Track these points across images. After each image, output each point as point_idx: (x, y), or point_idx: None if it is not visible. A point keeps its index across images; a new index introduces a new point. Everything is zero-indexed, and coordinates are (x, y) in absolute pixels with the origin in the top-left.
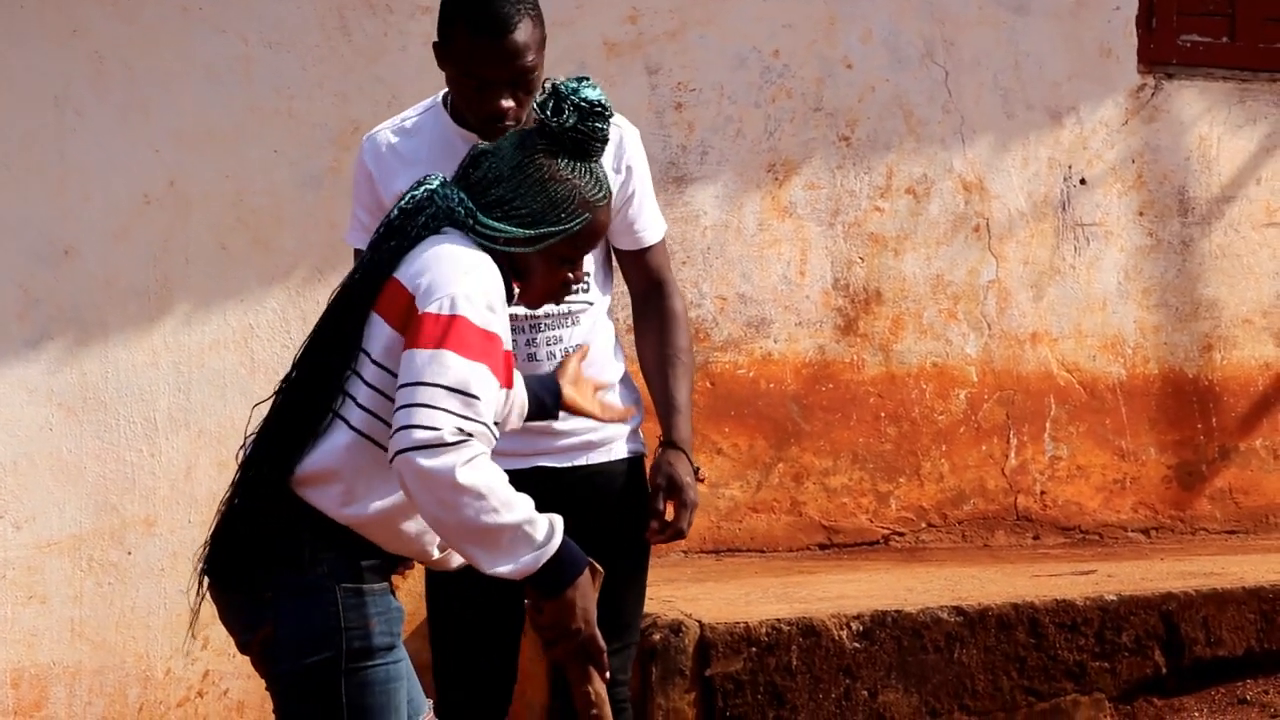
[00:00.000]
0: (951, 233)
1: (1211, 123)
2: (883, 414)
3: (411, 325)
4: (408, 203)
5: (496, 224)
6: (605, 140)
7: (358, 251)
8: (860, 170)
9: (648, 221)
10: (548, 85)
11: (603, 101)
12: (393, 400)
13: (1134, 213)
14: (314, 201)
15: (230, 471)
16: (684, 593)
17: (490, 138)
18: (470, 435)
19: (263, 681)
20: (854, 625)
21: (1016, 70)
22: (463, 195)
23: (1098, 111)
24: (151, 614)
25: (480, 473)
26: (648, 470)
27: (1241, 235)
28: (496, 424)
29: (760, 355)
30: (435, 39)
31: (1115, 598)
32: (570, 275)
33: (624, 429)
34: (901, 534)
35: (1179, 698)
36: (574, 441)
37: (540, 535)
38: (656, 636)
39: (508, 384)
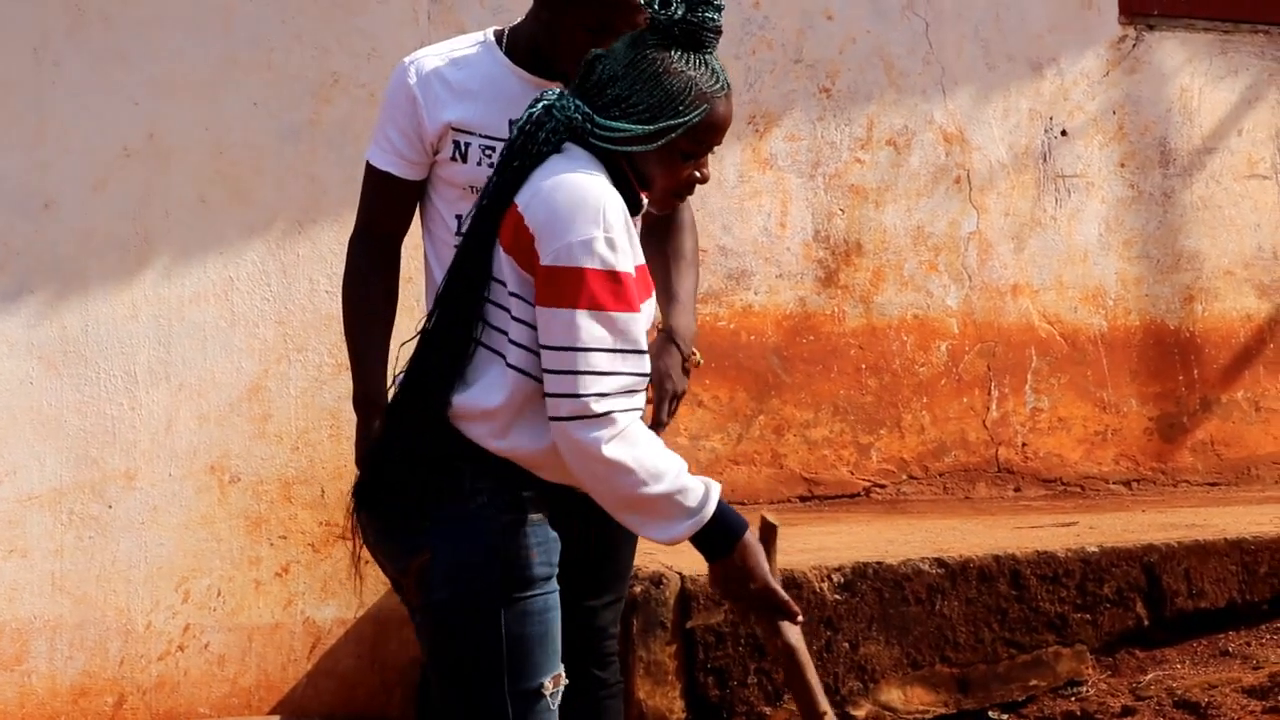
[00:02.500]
0: (932, 184)
1: (1193, 74)
2: (864, 366)
3: (539, 277)
4: (526, 122)
5: (615, 123)
6: (717, 30)
7: (373, 169)
8: (841, 122)
9: None
10: None
11: None
12: (536, 330)
13: (1115, 164)
14: (293, 154)
15: (210, 425)
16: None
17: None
18: (615, 403)
19: (243, 634)
20: (835, 577)
21: (997, 21)
22: (578, 102)
23: (1079, 63)
24: (132, 567)
25: (628, 447)
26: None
27: (1223, 187)
28: (645, 351)
29: (741, 307)
30: None
31: (1097, 549)
32: (696, 174)
33: None
34: (883, 486)
35: (1161, 649)
36: None
37: (693, 502)
38: (638, 589)
39: (646, 295)
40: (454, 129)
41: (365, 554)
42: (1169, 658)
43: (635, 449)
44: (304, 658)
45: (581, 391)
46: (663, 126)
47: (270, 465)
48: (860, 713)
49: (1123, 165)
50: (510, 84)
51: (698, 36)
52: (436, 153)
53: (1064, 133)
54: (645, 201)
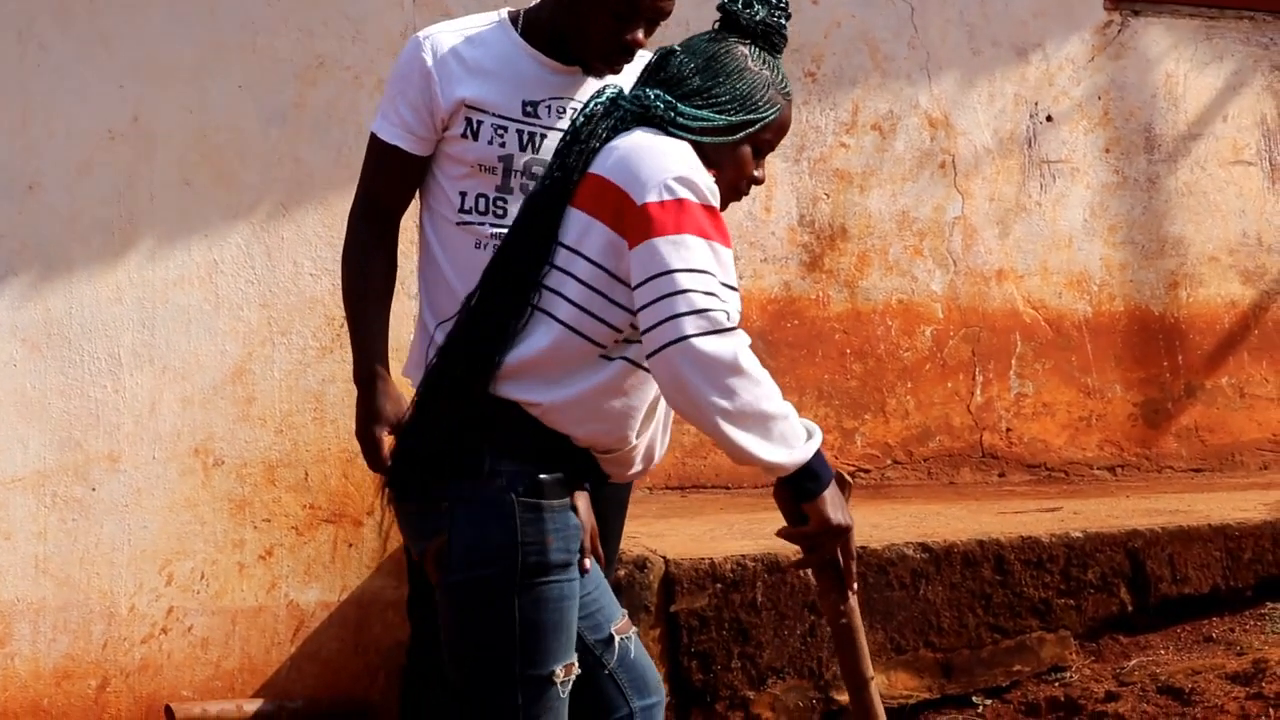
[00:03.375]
0: (917, 169)
1: (1178, 60)
2: (848, 351)
3: (633, 218)
4: (590, 110)
5: (699, 112)
6: (787, 37)
7: (381, 141)
8: (826, 106)
9: None
10: None
11: None
12: (603, 295)
13: (1100, 150)
14: (278, 137)
15: (194, 408)
16: (649, 529)
17: (607, 68)
18: (738, 321)
19: (227, 618)
20: None
21: (983, 6)
22: (658, 92)
23: (1064, 48)
24: (116, 550)
25: (754, 359)
26: None
27: (1208, 173)
28: (737, 290)
29: None
30: None
31: (1081, 535)
32: (755, 173)
33: None
34: (867, 471)
35: (1145, 635)
36: None
37: (803, 434)
38: (622, 572)
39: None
40: (468, 106)
41: (349, 536)
42: (1153, 643)
43: (759, 364)
44: (287, 641)
45: (708, 307)
46: (743, 119)
47: (254, 448)
48: (844, 697)
49: (1108, 151)
50: (525, 65)
51: (773, 40)
52: (446, 129)
53: (1049, 118)
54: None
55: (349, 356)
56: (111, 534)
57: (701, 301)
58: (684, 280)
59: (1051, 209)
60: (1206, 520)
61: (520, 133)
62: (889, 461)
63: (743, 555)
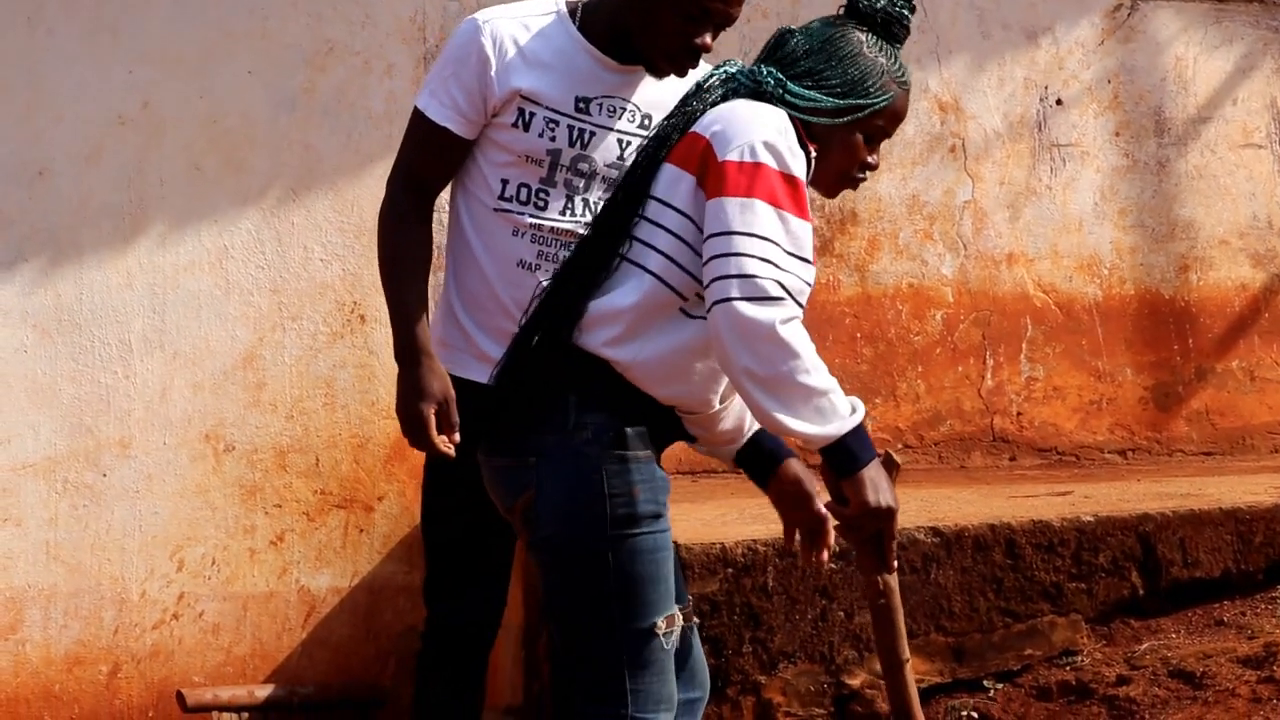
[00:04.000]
0: (927, 153)
1: (1188, 43)
2: (859, 335)
3: (712, 173)
4: (707, 79)
5: (808, 92)
6: (909, 28)
7: (429, 120)
8: None
9: None
10: None
11: None
12: (689, 244)
13: (1110, 133)
14: (288, 122)
15: (205, 394)
16: None
17: (672, 68)
18: (788, 292)
19: (238, 603)
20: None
21: None
22: (771, 69)
23: (1074, 31)
24: (127, 536)
25: (797, 332)
26: None
27: (1218, 156)
28: (813, 264)
29: None
30: None
31: (1092, 519)
32: (868, 159)
33: None
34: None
35: (1156, 619)
36: None
37: (845, 409)
38: None
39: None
40: (522, 96)
41: (361, 521)
42: (1164, 627)
43: (804, 338)
44: (299, 627)
45: (758, 274)
46: (852, 104)
47: (265, 434)
48: (855, 681)
49: (1118, 134)
50: (581, 60)
51: (893, 29)
52: (495, 116)
53: (1059, 101)
54: (812, 164)
55: (359, 342)
56: (122, 520)
57: (752, 267)
58: (741, 244)
59: (1062, 192)
60: (1218, 504)
61: (571, 128)
62: (900, 446)
63: (754, 540)
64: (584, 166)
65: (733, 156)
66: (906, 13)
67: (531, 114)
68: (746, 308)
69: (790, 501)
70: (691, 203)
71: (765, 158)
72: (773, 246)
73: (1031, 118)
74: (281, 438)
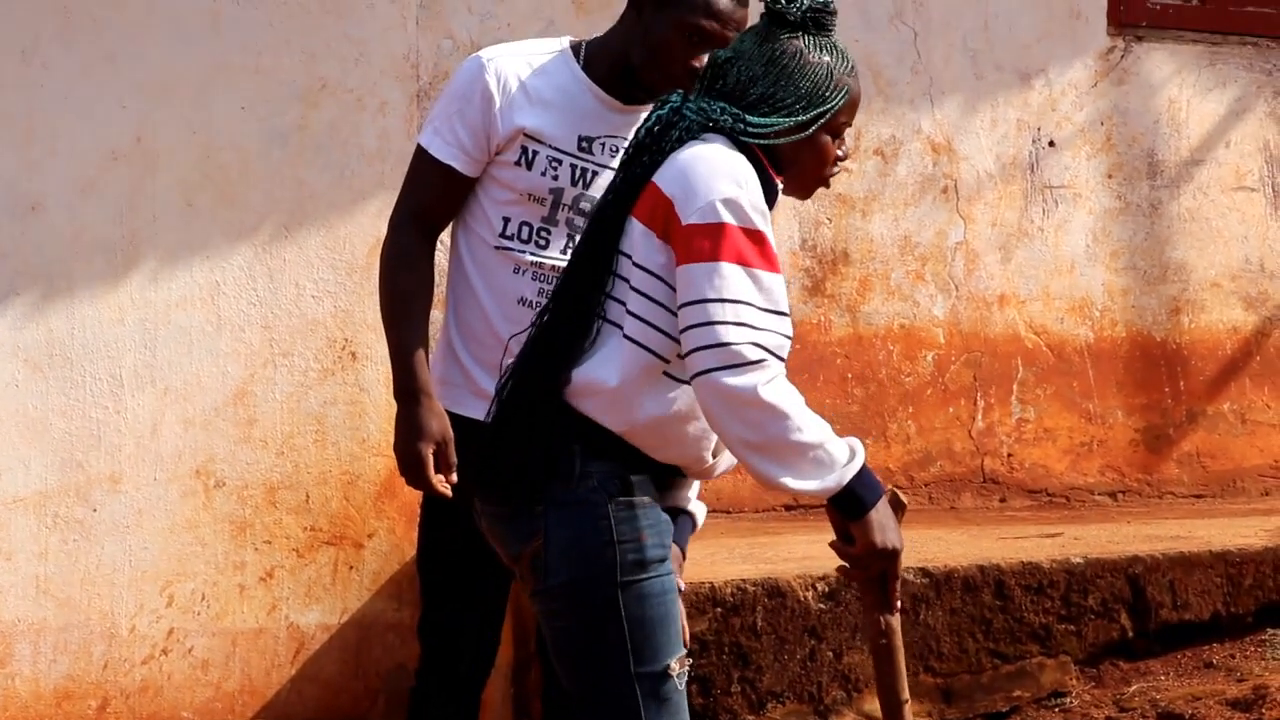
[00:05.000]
0: (919, 194)
1: (1181, 85)
2: (850, 375)
3: (678, 237)
4: (654, 123)
5: (767, 120)
6: (835, 11)
7: (433, 159)
8: None
9: None
10: None
11: None
12: (661, 305)
13: (1103, 175)
14: (281, 158)
15: (195, 429)
16: None
17: (662, 92)
18: (768, 351)
19: (227, 639)
20: (819, 586)
21: (986, 31)
22: (722, 105)
23: (1067, 73)
24: (117, 571)
25: (782, 392)
26: None
27: (1210, 199)
28: (788, 315)
29: None
30: None
31: (1082, 560)
32: (839, 153)
33: None
34: None
35: (1145, 661)
36: None
37: (842, 457)
38: None
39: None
40: (525, 135)
41: (350, 558)
42: (1153, 669)
43: (790, 395)
44: (288, 663)
45: (732, 340)
46: (815, 114)
47: (255, 470)
48: None
49: (1110, 176)
50: (585, 100)
51: (822, 20)
52: (498, 153)
53: (1051, 143)
54: (780, 188)
55: (350, 379)
56: (112, 555)
57: (726, 334)
58: (714, 311)
59: (1054, 234)
60: (1207, 546)
61: (574, 167)
62: (890, 486)
63: (743, 579)
64: (586, 206)
65: (695, 220)
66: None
67: (535, 152)
68: (727, 377)
69: None
70: (661, 263)
71: (726, 216)
72: (745, 308)
73: (1024, 159)
74: (272, 474)
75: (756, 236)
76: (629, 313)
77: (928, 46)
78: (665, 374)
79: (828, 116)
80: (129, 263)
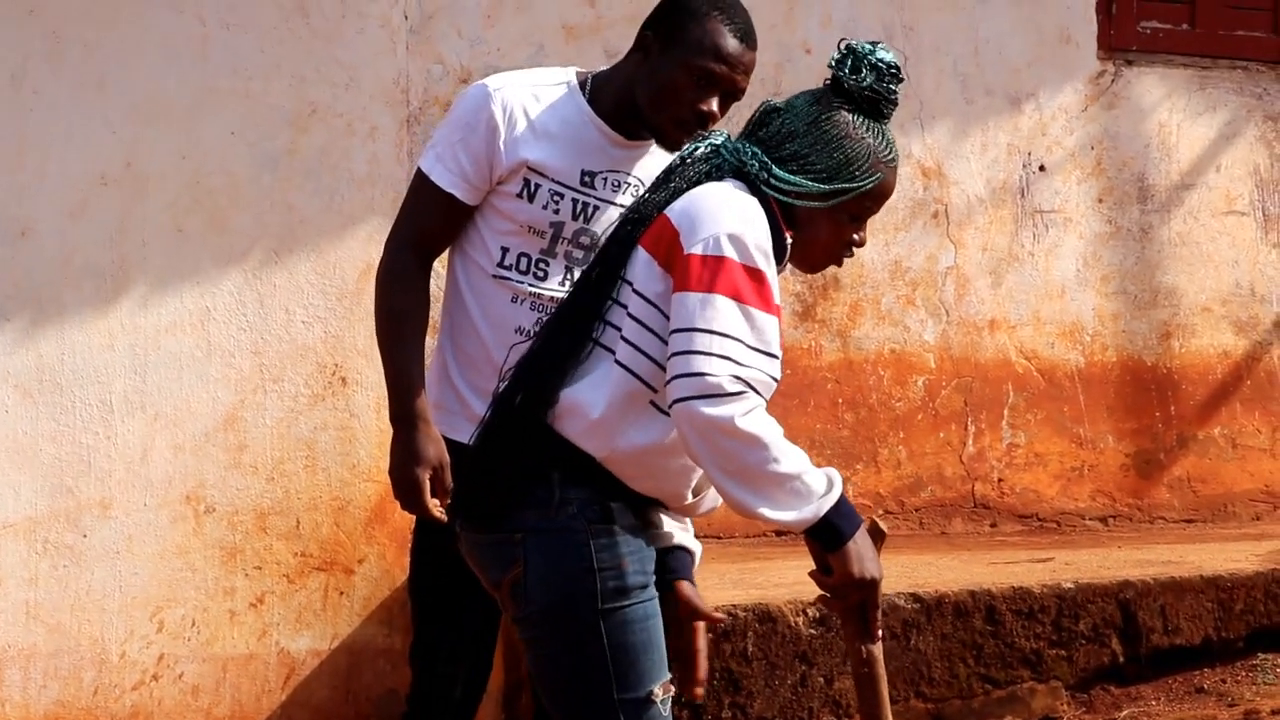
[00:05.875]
0: (910, 219)
1: (1171, 109)
2: (840, 400)
3: (678, 265)
4: (692, 151)
5: (792, 177)
6: (896, 103)
7: (435, 186)
8: None
9: None
10: (842, 45)
11: (897, 64)
12: (655, 333)
13: (1093, 199)
14: (270, 183)
15: (186, 455)
16: None
17: (677, 136)
18: (749, 385)
19: (218, 665)
20: (810, 612)
21: (976, 56)
22: (755, 150)
23: (1057, 98)
24: (107, 597)
25: (760, 422)
26: None
27: (1201, 223)
28: (778, 357)
29: None
30: (653, 27)
31: (1073, 585)
32: (855, 236)
33: None
34: None
35: (1136, 686)
36: None
37: (820, 488)
38: None
39: (777, 314)
40: (529, 168)
41: (341, 584)
42: (1144, 694)
43: (767, 425)
44: (278, 689)
45: (713, 372)
46: (838, 188)
47: (245, 496)
48: None
49: (1101, 201)
50: (589, 134)
51: (880, 107)
52: (500, 184)
53: (1042, 168)
54: (789, 245)
55: (340, 404)
56: (103, 580)
57: (708, 365)
58: (701, 341)
59: (1044, 259)
60: (1198, 571)
61: (575, 201)
62: (881, 511)
63: (734, 605)
64: (585, 240)
65: (697, 250)
66: (894, 88)
67: (537, 185)
68: (704, 407)
69: (674, 628)
70: (659, 290)
71: (729, 251)
72: (733, 343)
73: (1014, 184)
74: (262, 500)
75: (756, 275)
76: (623, 338)
77: (918, 71)
78: (652, 403)
79: (851, 195)
80: (119, 288)
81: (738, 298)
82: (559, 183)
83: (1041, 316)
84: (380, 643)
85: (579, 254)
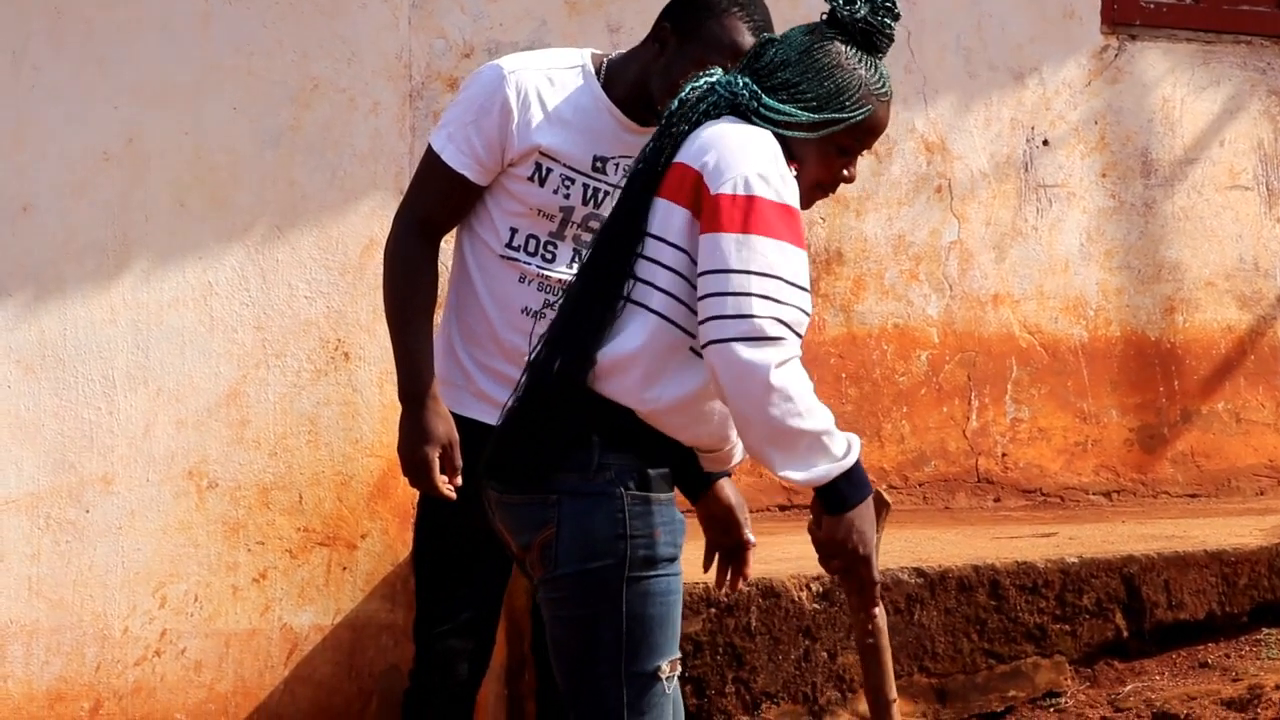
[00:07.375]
0: (913, 193)
1: (1175, 84)
2: (844, 375)
3: (707, 207)
4: (688, 93)
5: (781, 106)
6: (892, 37)
7: (446, 166)
8: None
9: None
10: None
11: None
12: (690, 281)
13: (1097, 174)
14: (273, 159)
15: (188, 430)
16: None
17: None
18: (788, 327)
19: (220, 640)
20: (814, 586)
21: (979, 30)
22: (747, 80)
23: (1060, 72)
24: (109, 572)
25: (792, 375)
26: None
27: (1204, 198)
28: (810, 291)
29: None
30: (671, 19)
31: (1076, 560)
32: (844, 172)
33: None
34: None
35: (1140, 661)
36: None
37: (838, 450)
38: None
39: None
40: (542, 153)
41: (344, 559)
42: (1148, 669)
43: (799, 379)
44: (281, 664)
45: (755, 313)
46: (827, 118)
47: (248, 471)
48: None
49: (1104, 175)
50: (602, 120)
51: (874, 40)
52: (511, 166)
53: (1045, 142)
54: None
55: (343, 379)
56: (105, 556)
57: (750, 306)
58: (739, 282)
59: (1048, 233)
60: (1202, 546)
61: (586, 187)
62: (884, 486)
63: None
64: (594, 224)
65: (726, 190)
66: (889, 22)
67: (549, 170)
68: (743, 349)
69: (719, 525)
70: (688, 237)
71: (759, 189)
72: (773, 281)
73: (1018, 158)
74: (265, 475)
75: (787, 211)
76: (658, 289)
77: (921, 45)
78: (691, 349)
79: (841, 126)
80: (121, 264)
81: (773, 234)
82: (571, 168)
83: (1045, 291)
84: (383, 618)
85: (587, 237)
